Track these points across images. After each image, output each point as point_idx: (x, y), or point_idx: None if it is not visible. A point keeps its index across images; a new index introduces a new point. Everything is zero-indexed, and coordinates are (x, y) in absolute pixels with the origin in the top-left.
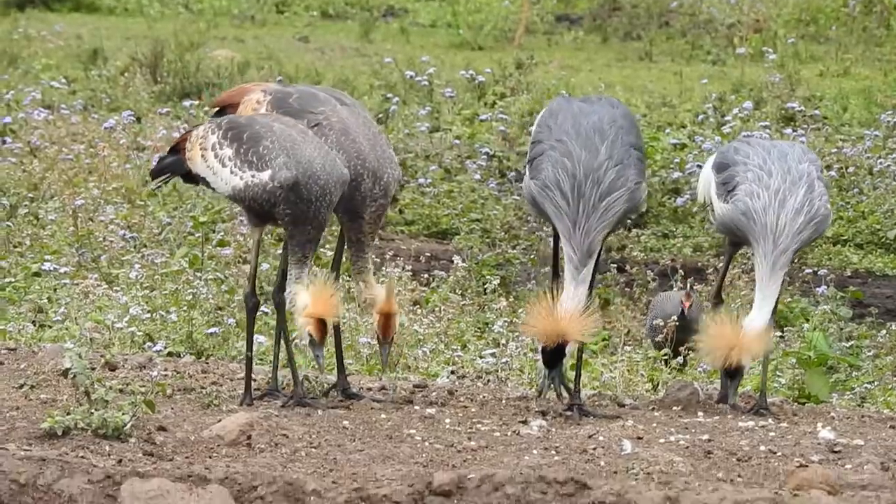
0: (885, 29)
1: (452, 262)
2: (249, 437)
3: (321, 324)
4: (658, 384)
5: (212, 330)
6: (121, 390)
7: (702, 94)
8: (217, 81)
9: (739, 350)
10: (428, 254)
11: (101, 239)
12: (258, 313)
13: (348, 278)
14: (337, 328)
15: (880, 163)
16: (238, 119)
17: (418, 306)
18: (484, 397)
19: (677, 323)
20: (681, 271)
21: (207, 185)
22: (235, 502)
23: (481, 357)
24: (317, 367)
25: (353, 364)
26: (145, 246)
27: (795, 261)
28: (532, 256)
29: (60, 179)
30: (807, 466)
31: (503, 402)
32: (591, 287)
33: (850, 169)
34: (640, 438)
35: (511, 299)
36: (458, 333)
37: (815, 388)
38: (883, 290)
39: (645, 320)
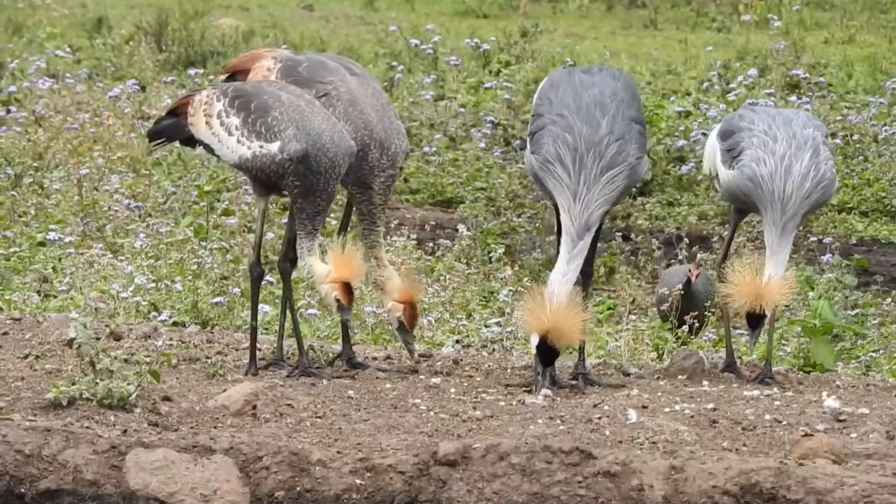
0: None
1: (457, 230)
2: (254, 407)
3: (347, 287)
4: (663, 353)
5: (217, 299)
6: (126, 360)
7: (707, 62)
8: (221, 50)
9: (762, 298)
10: (433, 223)
11: (106, 208)
12: (263, 283)
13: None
14: None
15: (885, 130)
16: (244, 87)
17: (423, 275)
18: (489, 366)
19: (682, 292)
20: (686, 239)
21: (211, 151)
22: (240, 472)
23: (486, 326)
24: (349, 329)
25: (359, 333)
26: (150, 215)
27: (801, 229)
28: (537, 225)
29: (65, 149)
30: (812, 435)
31: (508, 371)
32: (592, 258)
33: (855, 136)
34: (645, 408)
35: (516, 268)
36: (464, 302)
37: (821, 356)
38: (888, 257)
39: (650, 290)
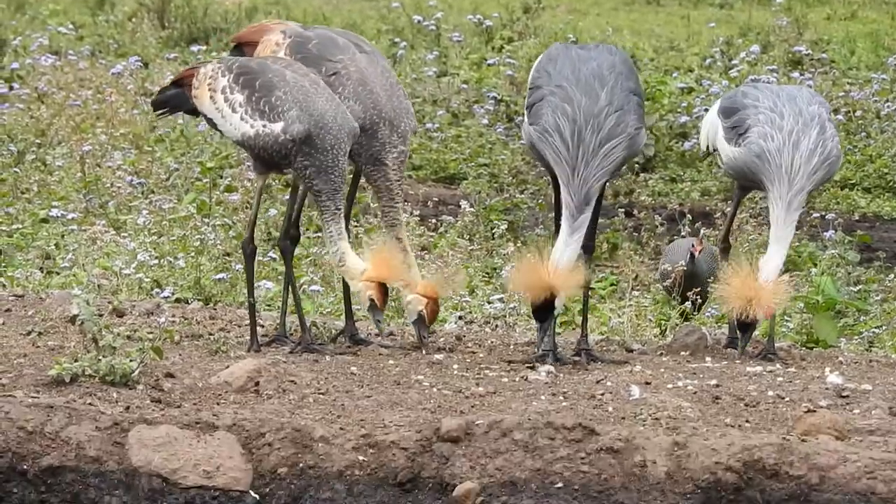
0: None
1: (460, 206)
2: (257, 384)
3: (383, 288)
4: (666, 329)
5: (219, 276)
6: (128, 337)
7: (709, 38)
8: (224, 26)
9: (757, 303)
10: (435, 199)
11: (108, 185)
12: (266, 259)
13: (355, 223)
14: None
15: (888, 106)
16: (250, 63)
17: (426, 251)
18: (492, 343)
19: (685, 268)
20: (689, 216)
21: (213, 126)
22: (243, 449)
23: (489, 302)
24: (378, 331)
25: (361, 310)
26: (153, 192)
27: (804, 205)
28: (540, 201)
29: (68, 125)
30: (815, 411)
31: (511, 347)
32: (593, 233)
33: (858, 113)
34: (648, 384)
35: (519, 244)
36: (466, 279)
37: (823, 332)
38: (891, 234)
39: (653, 266)
